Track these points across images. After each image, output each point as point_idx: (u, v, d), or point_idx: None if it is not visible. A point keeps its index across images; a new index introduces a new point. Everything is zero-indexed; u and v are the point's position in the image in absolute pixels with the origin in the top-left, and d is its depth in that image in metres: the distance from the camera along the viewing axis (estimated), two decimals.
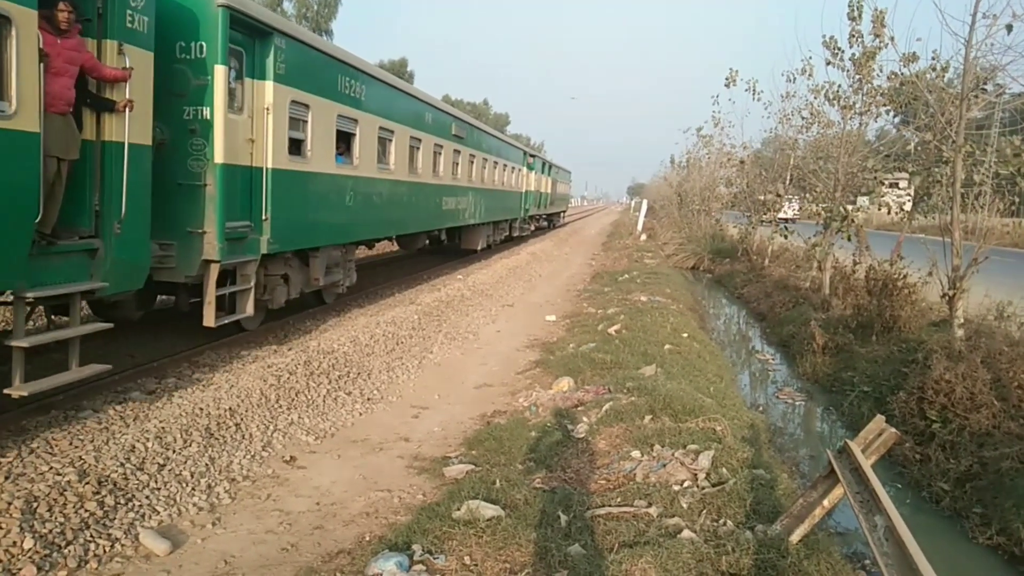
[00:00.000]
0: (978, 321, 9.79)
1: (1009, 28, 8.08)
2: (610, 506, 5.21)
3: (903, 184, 17.19)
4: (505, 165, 25.74)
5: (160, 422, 6.24)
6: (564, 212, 54.89)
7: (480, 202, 21.84)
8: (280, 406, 7.31)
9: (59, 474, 5.08)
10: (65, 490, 4.90)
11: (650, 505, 5.14)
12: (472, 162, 20.89)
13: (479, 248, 23.05)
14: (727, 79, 21.31)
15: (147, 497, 5.19)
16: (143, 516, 4.98)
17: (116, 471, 5.32)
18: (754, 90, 20.85)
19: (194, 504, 5.29)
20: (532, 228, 34.63)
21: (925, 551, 3.22)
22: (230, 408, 6.83)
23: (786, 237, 18.15)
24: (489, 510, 4.93)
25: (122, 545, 4.65)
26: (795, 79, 17.73)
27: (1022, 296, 10.07)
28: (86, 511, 4.80)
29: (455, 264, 20.27)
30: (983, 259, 9.18)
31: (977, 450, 7.09)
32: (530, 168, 31.23)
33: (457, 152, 19.02)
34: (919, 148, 12.03)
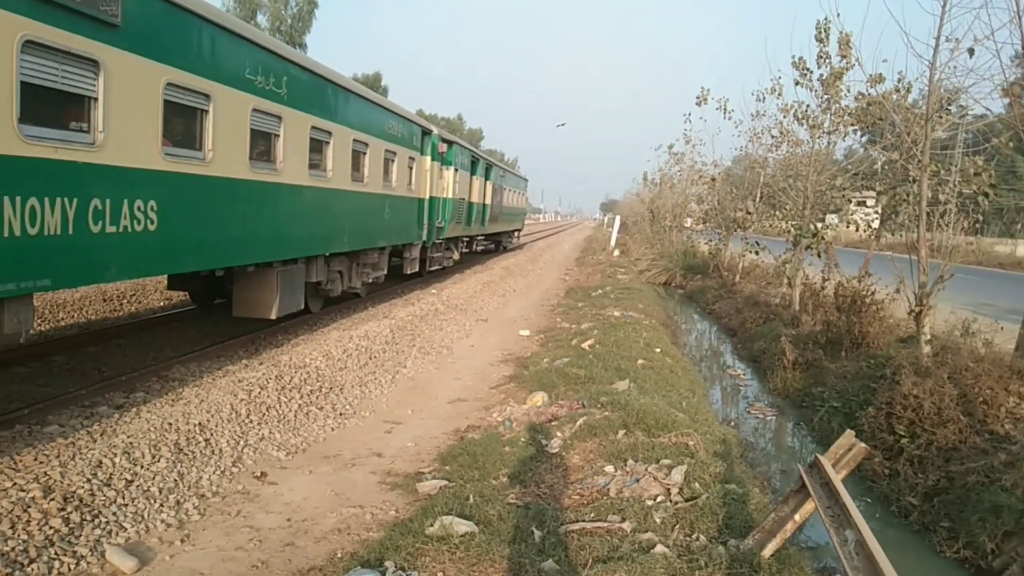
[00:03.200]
0: (945, 337, 9.95)
1: (971, 52, 8.29)
2: (584, 521, 5.20)
3: (871, 202, 17.49)
4: (372, 147, 13.32)
5: (128, 437, 6.13)
6: (519, 231, 41.45)
7: (285, 215, 10.27)
8: (251, 421, 7.22)
9: (23, 490, 4.96)
10: (29, 507, 4.80)
11: (624, 520, 5.14)
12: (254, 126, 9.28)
13: (274, 315, 10.18)
14: (698, 98, 21.67)
15: (114, 513, 5.09)
16: (110, 533, 4.88)
17: (82, 487, 5.22)
18: (725, 109, 21.21)
19: (162, 520, 5.20)
20: (455, 257, 22.62)
21: (895, 565, 3.26)
22: (200, 423, 6.73)
23: (757, 254, 18.36)
24: (463, 526, 4.90)
25: (88, 563, 4.54)
26: (765, 98, 18.02)
27: (987, 313, 10.27)
28: (51, 528, 4.69)
29: (429, 279, 20.22)
30: (949, 276, 9.36)
31: (944, 464, 7.20)
32: (445, 163, 19.29)
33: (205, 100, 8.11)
34: (886, 167, 12.27)
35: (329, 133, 11.26)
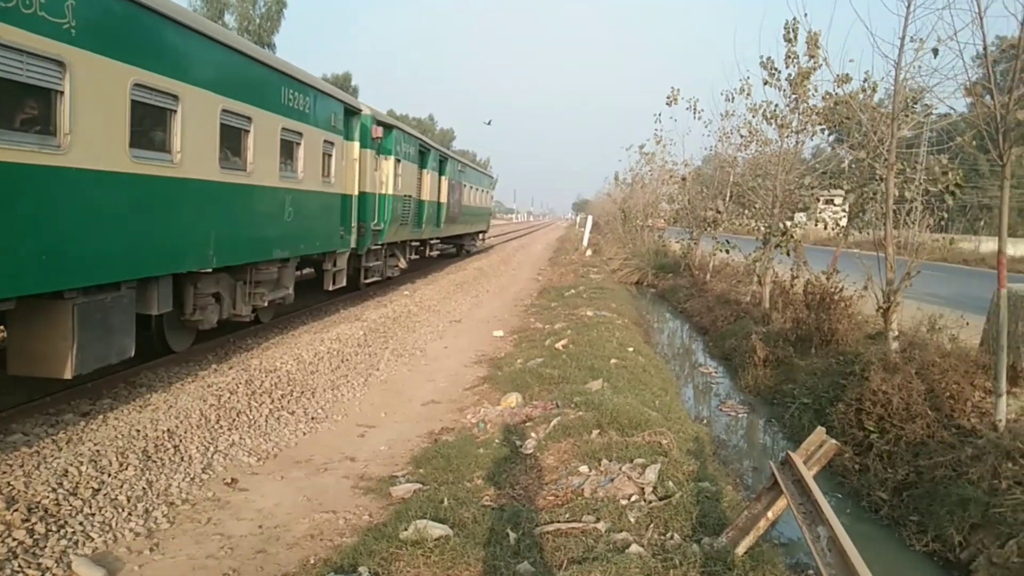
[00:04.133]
0: (912, 333, 10.09)
1: (935, 52, 8.39)
2: (559, 522, 5.19)
3: (838, 200, 17.72)
4: (260, 122, 10.02)
5: (95, 445, 6.02)
6: (484, 233, 38.03)
7: (84, 218, 6.75)
8: (221, 427, 7.13)
9: None
10: None
11: (598, 520, 5.14)
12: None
13: (69, 372, 6.65)
14: (669, 98, 21.76)
15: (80, 523, 4.99)
16: (76, 543, 4.78)
17: (47, 497, 5.11)
18: (695, 109, 21.34)
19: (131, 529, 5.10)
20: (401, 265, 19.30)
21: (866, 560, 3.29)
22: (168, 429, 6.62)
23: (727, 252, 18.50)
24: (437, 529, 4.87)
25: (54, 574, 4.44)
26: (734, 98, 18.17)
27: (952, 309, 10.43)
28: (14, 540, 4.59)
29: (400, 280, 20.13)
30: (916, 273, 9.49)
31: (913, 459, 7.30)
32: (382, 151, 16.25)
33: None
34: (853, 166, 12.42)
35: (174, 97, 7.79)
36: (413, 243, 21.17)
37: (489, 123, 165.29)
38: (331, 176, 13.01)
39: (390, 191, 16.52)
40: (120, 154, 7.00)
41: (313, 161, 12.03)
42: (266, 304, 11.01)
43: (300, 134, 11.37)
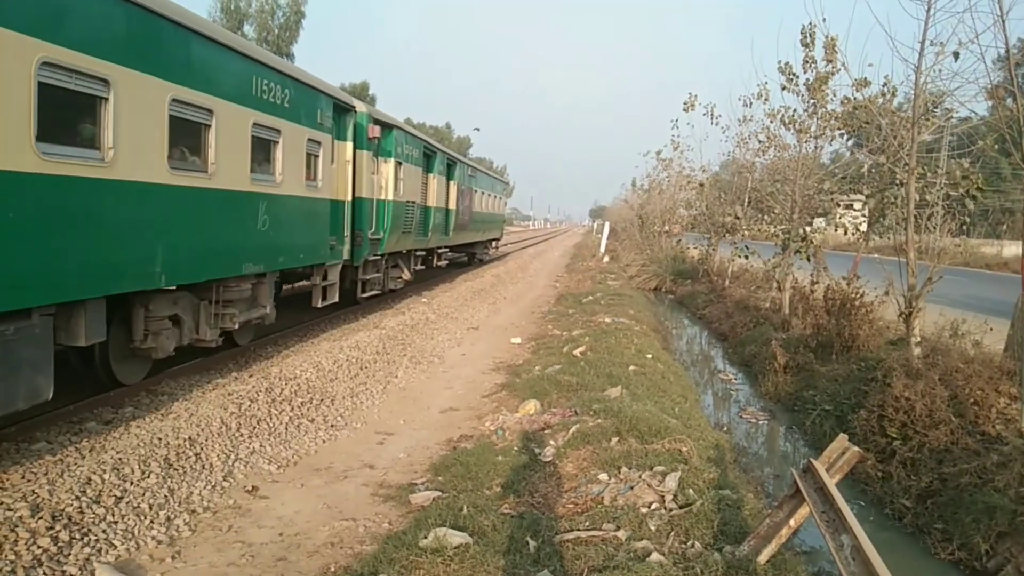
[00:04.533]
0: (934, 339, 9.99)
1: (956, 55, 8.35)
2: (578, 530, 5.17)
3: (858, 205, 17.59)
4: (222, 115, 8.53)
5: (117, 453, 6.08)
6: (497, 241, 35.73)
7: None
8: (241, 435, 7.17)
9: (10, 509, 4.90)
10: (17, 526, 4.73)
11: (618, 528, 5.12)
12: None
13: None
14: (686, 104, 21.73)
15: (104, 531, 5.03)
16: (99, 551, 4.82)
17: (71, 505, 5.16)
18: (712, 114, 21.30)
19: (153, 537, 5.14)
20: (405, 276, 17.70)
21: (890, 568, 3.25)
22: (190, 437, 6.67)
23: (746, 258, 18.41)
24: (456, 537, 4.86)
25: None
26: (751, 104, 18.11)
27: (975, 314, 10.32)
28: (39, 547, 4.63)
29: (418, 287, 20.18)
30: (938, 278, 9.40)
31: (937, 466, 7.21)
32: (381, 153, 14.93)
33: None
34: (873, 170, 12.33)
35: (104, 82, 6.45)
36: (419, 252, 19.56)
37: (478, 130, 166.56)
38: (318, 180, 11.49)
39: (390, 197, 14.95)
40: (25, 152, 5.63)
41: (294, 162, 10.54)
42: (237, 326, 9.50)
43: (277, 131, 9.95)
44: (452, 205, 22.27)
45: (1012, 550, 5.80)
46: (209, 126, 8.30)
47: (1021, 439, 6.78)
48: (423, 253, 20.50)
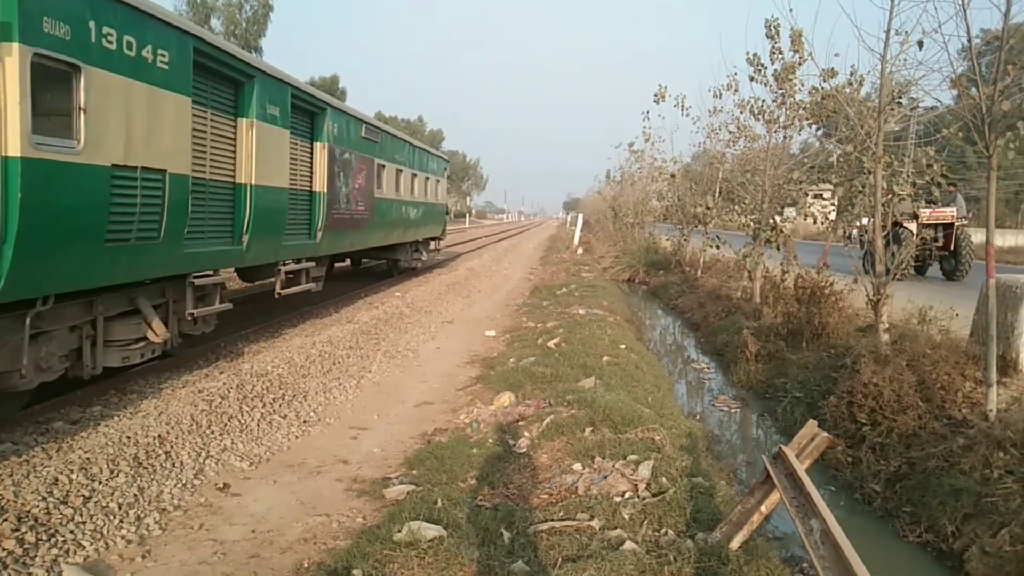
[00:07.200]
0: (902, 326, 10.12)
1: (920, 44, 8.42)
2: (553, 520, 5.19)
3: (827, 195, 17.77)
4: None
5: (85, 452, 5.98)
6: (437, 240, 26.02)
7: None
8: (212, 432, 7.09)
9: None
10: None
11: (592, 518, 5.14)
12: None
13: None
14: (656, 95, 21.73)
15: (71, 532, 4.95)
16: (67, 552, 4.75)
17: (37, 506, 5.07)
18: (682, 106, 21.31)
19: (122, 537, 5.07)
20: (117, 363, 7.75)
21: (860, 552, 3.29)
22: (159, 435, 6.59)
23: (718, 248, 18.54)
24: (431, 530, 4.85)
25: None
26: (721, 94, 18.18)
27: (942, 301, 10.48)
28: (4, 550, 4.55)
29: (393, 281, 20.05)
30: (905, 266, 9.53)
31: (905, 451, 7.32)
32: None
33: None
34: (841, 160, 12.44)
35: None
36: (203, 280, 9.08)
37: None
38: None
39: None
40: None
41: None
42: None
43: None
44: (322, 186, 12.73)
45: (977, 531, 5.91)
46: None
47: (986, 422, 6.90)
48: (210, 281, 9.28)
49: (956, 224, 20.26)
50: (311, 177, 12.66)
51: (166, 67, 7.52)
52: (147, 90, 7.21)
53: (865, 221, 12.68)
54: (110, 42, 6.60)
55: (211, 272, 9.35)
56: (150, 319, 7.95)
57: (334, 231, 13.72)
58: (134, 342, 7.82)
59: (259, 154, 9.99)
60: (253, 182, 9.91)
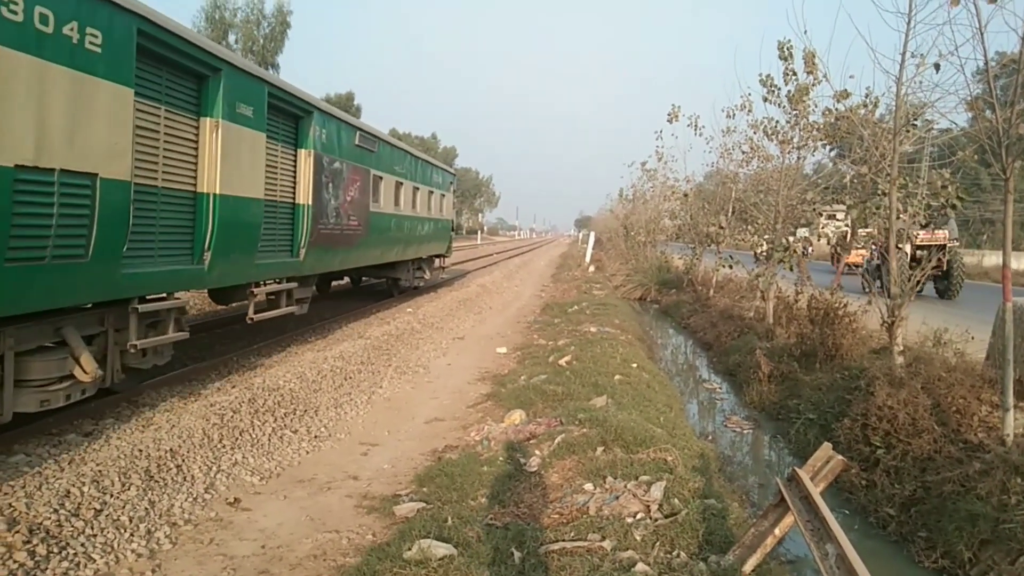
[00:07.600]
0: (917, 348, 10.05)
1: (937, 67, 8.41)
2: (564, 541, 5.15)
3: (841, 215, 17.70)
4: None
5: (97, 465, 5.99)
6: (442, 258, 24.67)
7: None
8: (223, 446, 7.10)
9: None
10: None
11: (604, 539, 5.10)
12: None
13: None
14: (669, 115, 21.75)
15: (82, 545, 4.96)
16: (78, 565, 4.75)
17: (49, 518, 5.08)
18: (696, 125, 21.35)
19: (132, 551, 5.06)
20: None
21: None
22: (171, 449, 6.60)
23: (731, 268, 18.48)
24: (441, 549, 4.83)
25: None
26: (735, 115, 18.19)
27: (957, 324, 10.40)
28: (15, 562, 4.55)
29: (404, 297, 20.08)
30: (919, 288, 9.46)
31: (920, 474, 7.24)
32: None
33: None
34: (855, 181, 12.40)
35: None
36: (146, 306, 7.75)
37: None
38: None
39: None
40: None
41: None
42: None
43: None
44: (306, 198, 11.46)
45: (994, 557, 5.83)
46: None
47: (1003, 447, 6.82)
48: (163, 306, 8.06)
49: (948, 246, 21.10)
50: (294, 187, 11.29)
51: (98, 50, 6.18)
52: (69, 76, 5.89)
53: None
54: (13, 12, 5.30)
55: (164, 296, 8.15)
56: (78, 353, 6.60)
57: (321, 248, 12.24)
58: (57, 381, 6.48)
59: (226, 159, 8.63)
60: (218, 191, 8.56)
